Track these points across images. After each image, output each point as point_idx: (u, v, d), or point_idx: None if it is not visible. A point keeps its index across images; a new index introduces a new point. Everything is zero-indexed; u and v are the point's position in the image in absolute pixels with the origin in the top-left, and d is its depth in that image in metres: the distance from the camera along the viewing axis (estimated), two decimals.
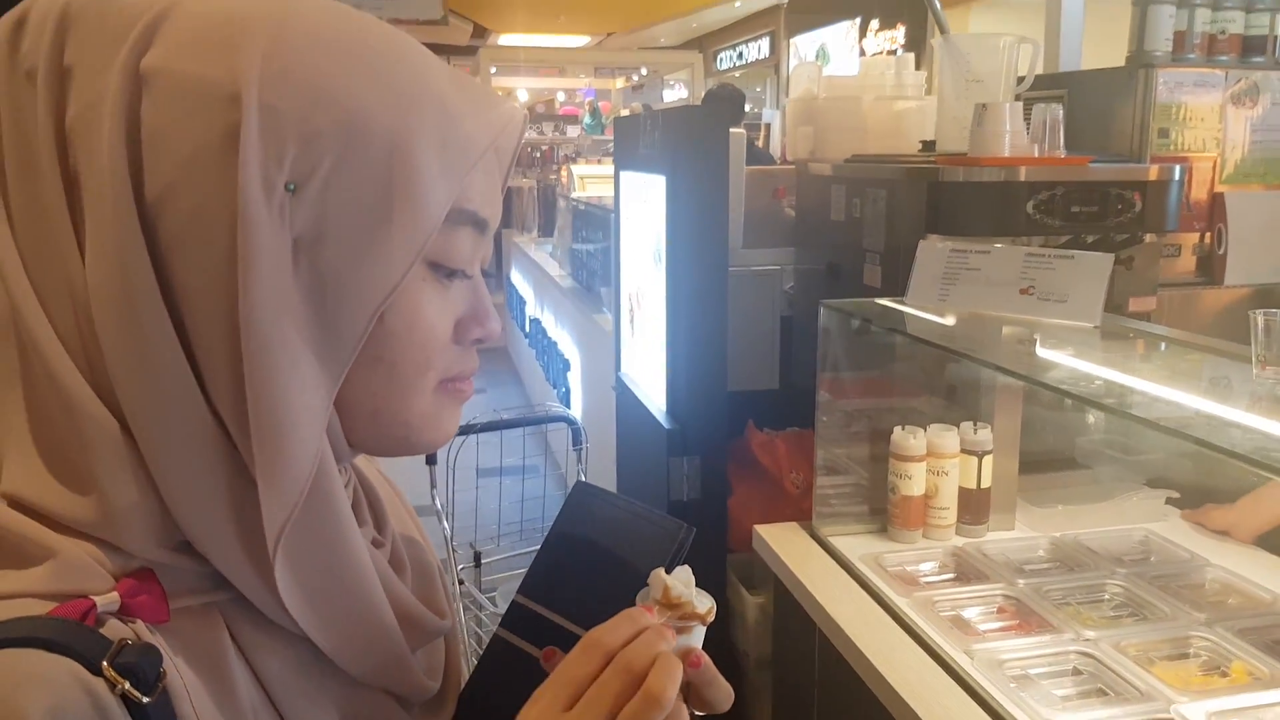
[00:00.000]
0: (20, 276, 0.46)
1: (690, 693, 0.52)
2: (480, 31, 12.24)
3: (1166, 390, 1.20)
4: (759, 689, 2.02)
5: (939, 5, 2.12)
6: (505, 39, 13.26)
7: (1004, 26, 7.38)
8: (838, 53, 10.33)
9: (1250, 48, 2.50)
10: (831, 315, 1.71)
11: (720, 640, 2.18)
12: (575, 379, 4.53)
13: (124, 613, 0.44)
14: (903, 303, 1.65)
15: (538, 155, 11.96)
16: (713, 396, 2.35)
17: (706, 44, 14.43)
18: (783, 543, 1.70)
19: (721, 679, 0.53)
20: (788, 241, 2.79)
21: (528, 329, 5.58)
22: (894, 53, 8.76)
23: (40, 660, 0.40)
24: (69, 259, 0.46)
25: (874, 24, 9.13)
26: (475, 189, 0.51)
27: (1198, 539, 1.64)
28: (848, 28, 9.94)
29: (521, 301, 6.42)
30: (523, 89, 14.02)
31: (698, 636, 0.54)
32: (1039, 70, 2.31)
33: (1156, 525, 1.68)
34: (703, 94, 14.85)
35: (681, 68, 14.65)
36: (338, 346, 0.48)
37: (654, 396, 2.62)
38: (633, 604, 0.53)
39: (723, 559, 2.23)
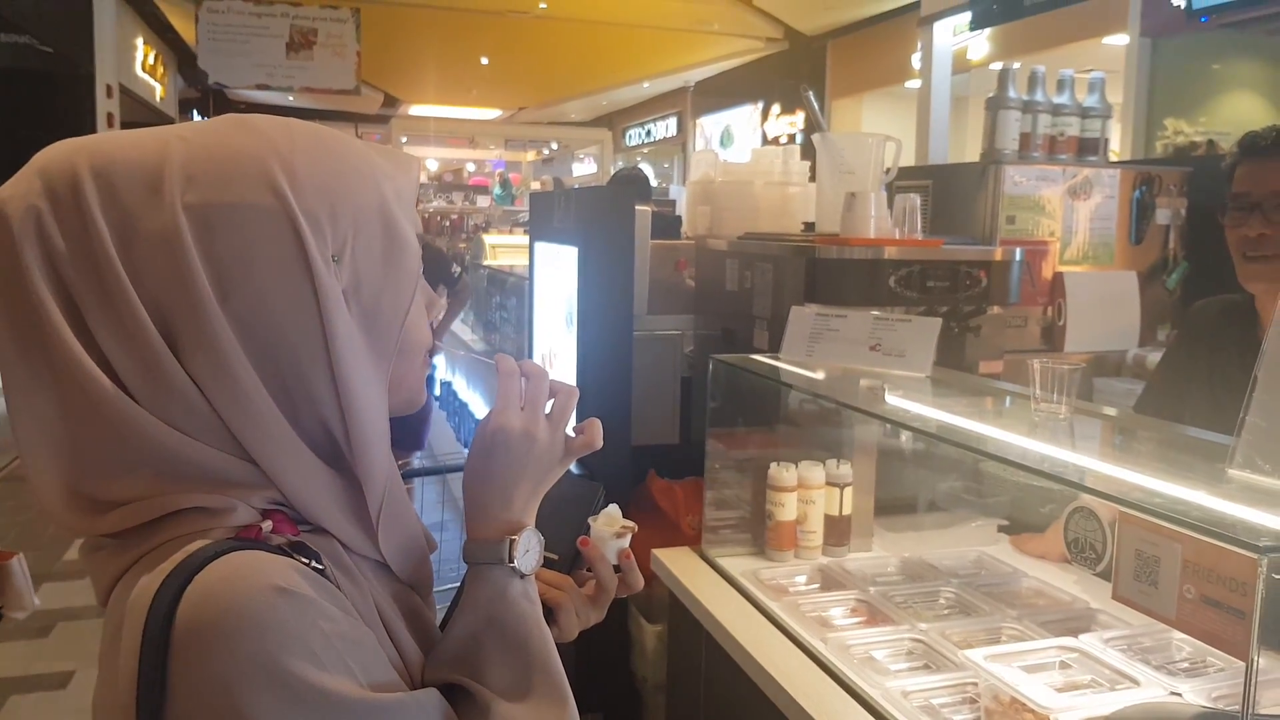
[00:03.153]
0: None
1: (621, 577, 0.88)
2: (390, 101, 12.58)
3: (976, 424, 1.57)
4: (655, 710, 2.29)
5: (816, 106, 2.54)
6: (416, 109, 13.62)
7: (891, 115, 8.12)
8: (741, 133, 11.02)
9: (1085, 148, 3.01)
10: (720, 368, 2.06)
11: (620, 667, 2.44)
12: None
13: (274, 532, 0.69)
14: (778, 358, 2.00)
15: (447, 224, 12.24)
16: (619, 449, 2.66)
17: (616, 120, 15.07)
18: (677, 564, 2.01)
19: (638, 569, 0.89)
20: (688, 309, 3.13)
21: (439, 392, 5.81)
22: (794, 137, 9.45)
23: (255, 554, 0.65)
24: (171, 369, 0.67)
25: (775, 108, 9.83)
26: (414, 220, 0.81)
27: (1022, 559, 2.01)
28: (751, 111, 10.64)
29: (432, 366, 6.62)
30: (433, 158, 14.35)
31: (627, 541, 0.89)
32: (909, 162, 2.75)
33: (990, 548, 2.05)
34: (611, 169, 15.35)
35: (592, 143, 15.25)
36: (384, 354, 0.74)
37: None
38: (586, 529, 0.87)
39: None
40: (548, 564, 0.85)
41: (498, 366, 0.81)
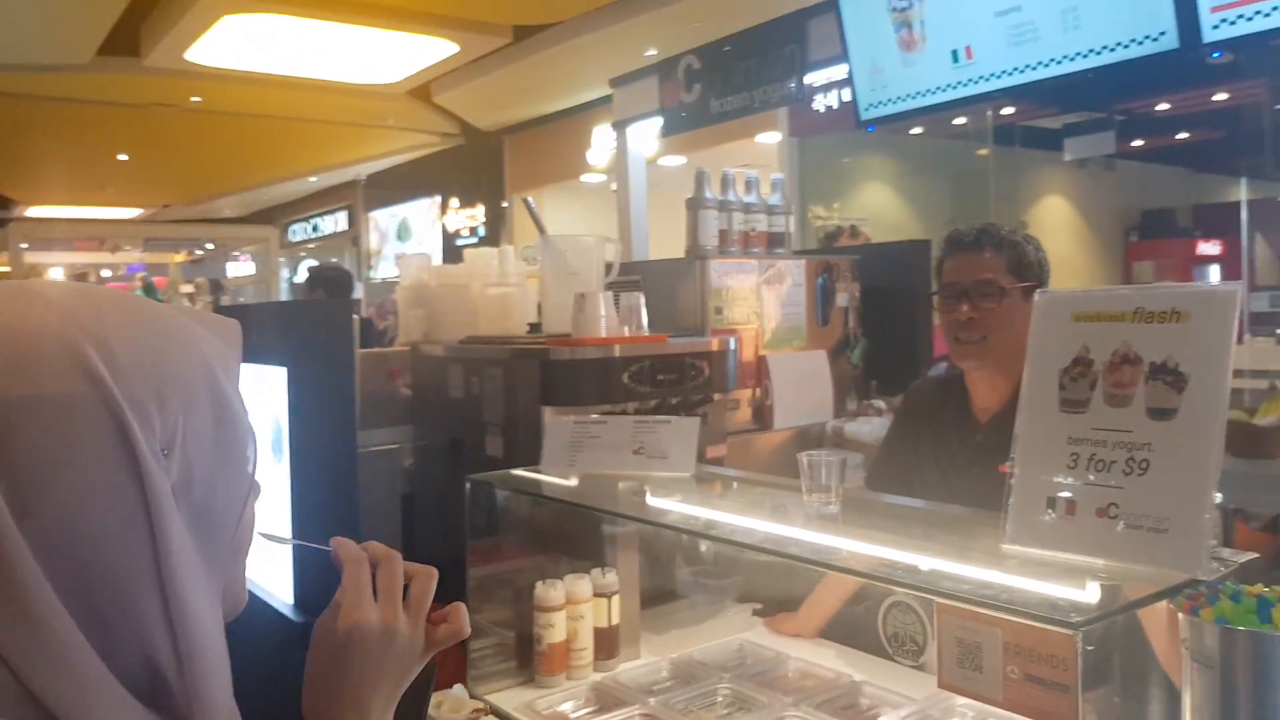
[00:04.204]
0: None
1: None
2: (4, 204, 11.09)
3: (744, 519, 1.61)
4: None
5: (534, 207, 2.56)
6: (36, 210, 12.11)
7: (570, 208, 8.47)
8: (420, 227, 10.93)
9: (774, 242, 3.30)
10: (477, 488, 1.96)
11: None
12: None
13: None
14: (538, 471, 1.94)
15: None
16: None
17: (277, 215, 14.37)
18: (454, 709, 1.85)
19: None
20: (405, 420, 2.98)
21: None
22: (475, 229, 9.54)
23: None
24: None
25: (454, 201, 9.88)
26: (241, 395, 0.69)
27: (780, 640, 2.08)
28: (428, 204, 10.61)
29: None
30: (58, 265, 12.79)
31: None
32: (621, 261, 2.84)
33: (748, 634, 2.11)
34: (279, 269, 14.55)
35: (253, 241, 14.38)
36: (218, 559, 0.61)
37: (278, 594, 2.61)
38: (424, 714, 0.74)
39: None
40: None
41: (338, 553, 0.70)
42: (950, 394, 1.93)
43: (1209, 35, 2.60)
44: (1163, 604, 1.05)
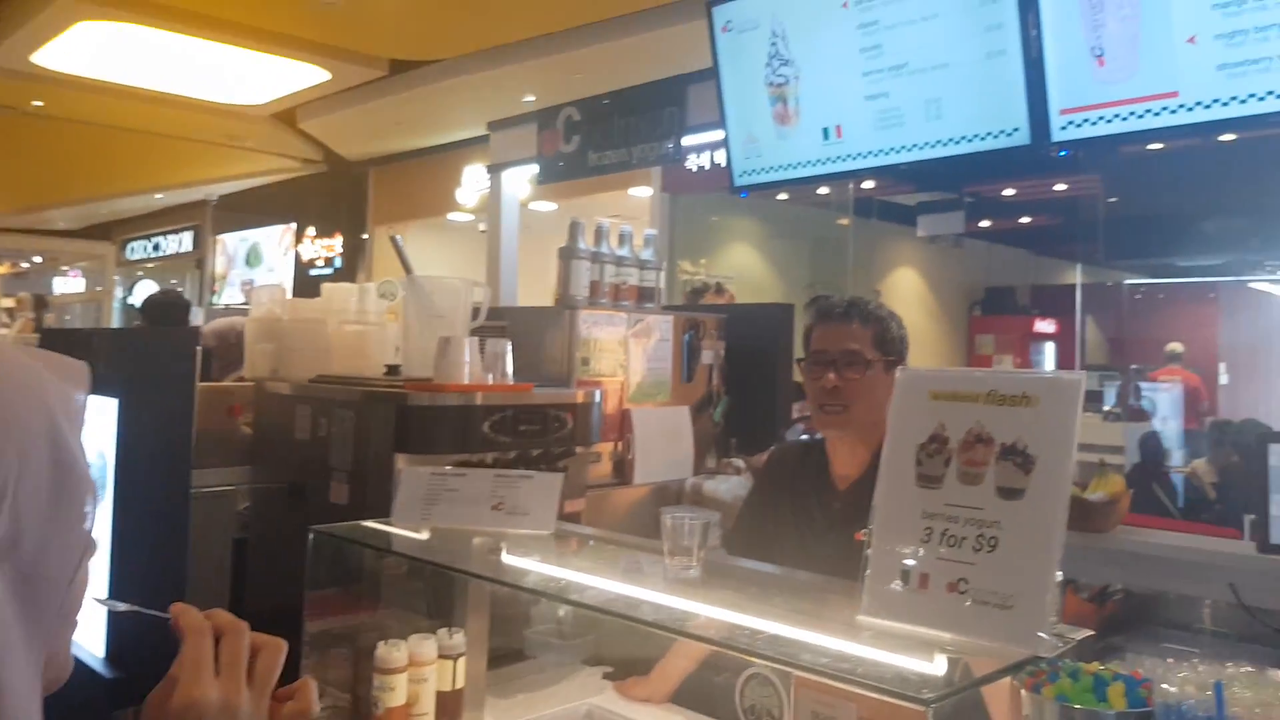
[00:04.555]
0: None
1: None
2: None
3: (602, 580, 1.59)
4: None
5: (402, 245, 2.50)
6: None
7: (436, 247, 8.34)
8: (271, 254, 10.52)
9: (644, 296, 3.33)
10: (320, 541, 1.86)
11: None
12: None
13: None
14: (389, 523, 1.87)
15: None
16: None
17: (115, 231, 13.56)
18: None
19: None
20: (243, 460, 2.84)
21: None
22: (331, 260, 9.26)
23: None
24: None
25: (311, 230, 9.57)
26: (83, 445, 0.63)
27: (630, 705, 2.05)
28: (283, 231, 10.24)
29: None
30: None
31: None
32: (489, 306, 2.80)
33: (597, 698, 2.07)
34: (113, 288, 13.71)
35: (87, 257, 13.53)
36: (41, 625, 0.55)
37: (88, 648, 2.41)
38: None
39: None
40: None
41: (178, 622, 0.64)
42: (811, 460, 1.97)
43: (1057, 135, 2.81)
44: (1006, 680, 1.09)
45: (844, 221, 7.67)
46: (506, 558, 1.77)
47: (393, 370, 2.60)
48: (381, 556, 1.91)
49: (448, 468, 1.89)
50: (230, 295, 10.94)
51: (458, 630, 1.93)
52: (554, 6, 4.61)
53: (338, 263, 9.08)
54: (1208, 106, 2.57)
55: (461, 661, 1.91)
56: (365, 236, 8.75)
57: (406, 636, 1.86)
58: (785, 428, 3.64)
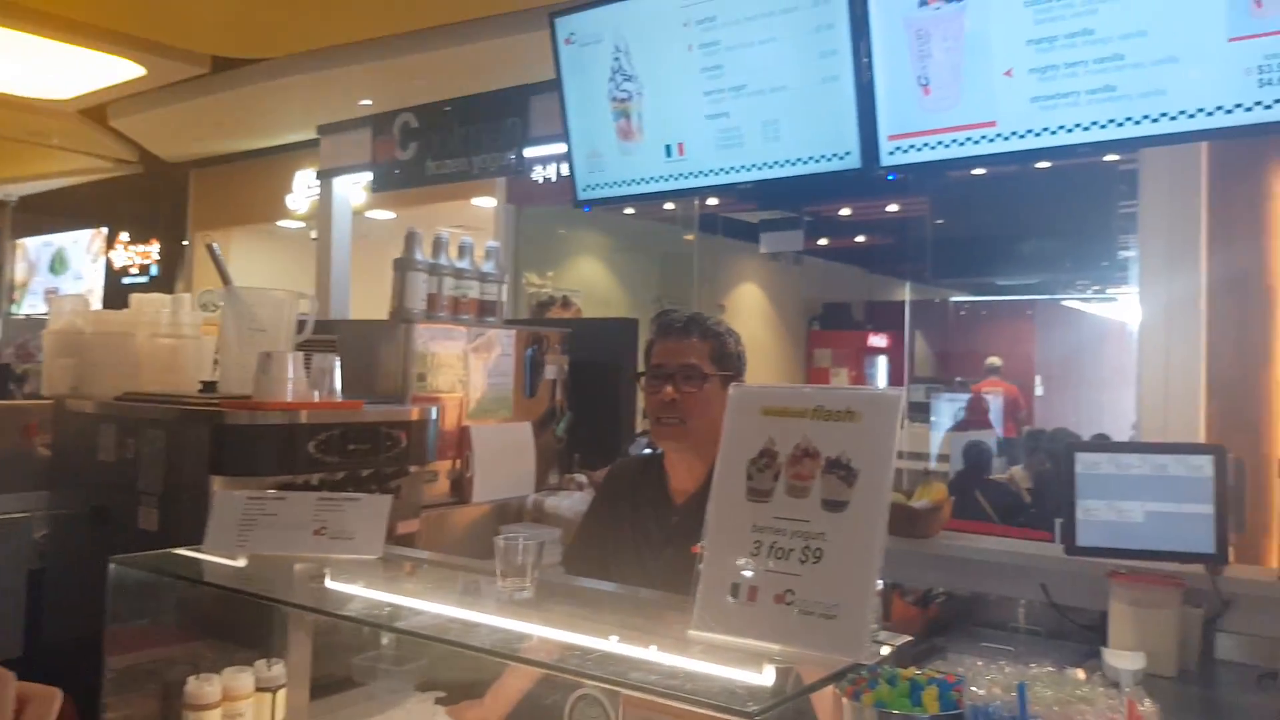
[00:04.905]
0: None
1: None
2: None
3: (432, 605, 1.55)
4: None
5: (219, 254, 2.38)
6: None
7: (264, 254, 8.00)
8: (79, 260, 9.87)
9: (485, 310, 3.29)
10: (123, 572, 1.74)
11: None
12: None
13: None
14: (200, 551, 1.76)
15: None
16: None
17: None
18: None
19: None
20: (40, 485, 2.66)
21: None
22: (146, 268, 8.73)
23: None
24: None
25: (124, 235, 9.01)
26: None
27: None
28: (92, 236, 9.61)
29: None
30: None
31: None
32: (317, 319, 2.70)
33: None
34: None
35: None
36: None
37: None
38: None
39: None
40: None
41: None
42: (649, 474, 1.99)
43: (886, 160, 2.96)
44: (829, 689, 1.13)
45: (689, 237, 7.82)
46: (330, 584, 1.71)
47: (209, 387, 2.47)
48: (193, 585, 1.80)
49: (268, 491, 1.80)
50: (32, 305, 10.20)
51: (277, 661, 1.84)
52: (392, 9, 4.50)
53: (154, 270, 8.57)
54: (1022, 136, 2.76)
55: (282, 694, 1.82)
56: (185, 243, 8.29)
57: (221, 670, 1.77)
58: (629, 442, 3.67)
